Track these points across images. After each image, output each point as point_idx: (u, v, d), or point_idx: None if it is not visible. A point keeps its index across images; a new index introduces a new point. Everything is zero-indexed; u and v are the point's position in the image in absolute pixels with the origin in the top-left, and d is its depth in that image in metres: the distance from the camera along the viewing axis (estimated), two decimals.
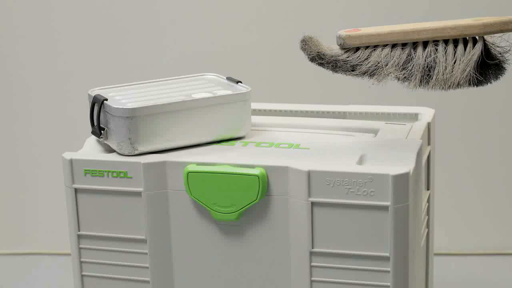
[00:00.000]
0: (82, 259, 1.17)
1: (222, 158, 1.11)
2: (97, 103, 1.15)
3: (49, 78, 1.75)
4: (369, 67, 1.06)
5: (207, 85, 1.23)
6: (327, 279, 1.08)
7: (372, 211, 1.05)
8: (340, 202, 1.05)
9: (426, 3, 1.65)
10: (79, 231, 1.16)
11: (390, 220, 1.04)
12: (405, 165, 1.06)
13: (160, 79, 1.27)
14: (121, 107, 1.12)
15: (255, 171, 1.07)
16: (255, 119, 1.28)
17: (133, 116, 1.11)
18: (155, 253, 1.14)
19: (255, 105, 1.34)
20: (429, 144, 1.26)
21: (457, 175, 1.72)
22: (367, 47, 1.07)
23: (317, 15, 1.68)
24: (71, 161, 1.14)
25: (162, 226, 1.13)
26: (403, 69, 1.06)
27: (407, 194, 1.04)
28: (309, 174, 1.05)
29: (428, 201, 1.26)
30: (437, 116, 1.34)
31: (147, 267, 1.14)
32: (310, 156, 1.12)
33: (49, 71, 1.75)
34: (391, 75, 1.06)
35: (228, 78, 1.24)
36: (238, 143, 1.18)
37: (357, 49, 1.07)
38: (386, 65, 1.06)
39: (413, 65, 1.06)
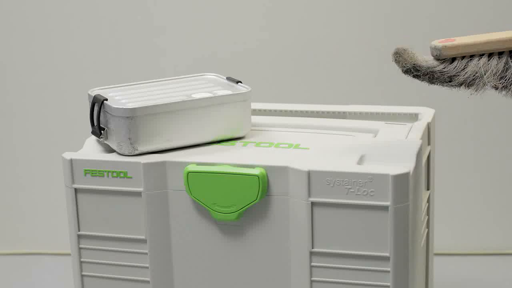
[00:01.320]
0: (82, 259, 1.17)
1: (222, 158, 1.11)
2: (97, 103, 1.15)
3: (49, 78, 1.75)
4: (467, 77, 1.05)
5: (207, 85, 1.23)
6: (327, 279, 1.08)
7: (372, 211, 1.05)
8: (340, 202, 1.05)
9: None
10: (79, 231, 1.16)
11: (390, 220, 1.04)
12: (405, 165, 1.06)
13: (160, 79, 1.27)
14: (121, 107, 1.12)
15: (255, 171, 1.07)
16: (255, 119, 1.28)
17: (133, 116, 1.11)
18: (155, 253, 1.14)
19: (255, 105, 1.34)
20: (429, 144, 1.26)
21: (457, 175, 1.72)
22: (463, 57, 1.05)
23: (317, 15, 1.68)
24: (71, 161, 1.14)
25: (162, 226, 1.13)
26: (501, 78, 1.05)
27: (407, 194, 1.04)
28: (309, 174, 1.05)
29: (428, 201, 1.26)
30: (437, 116, 1.34)
31: (147, 267, 1.14)
32: (310, 156, 1.12)
33: (48, 71, 1.75)
34: (489, 85, 1.05)
35: (228, 78, 1.24)
36: (238, 143, 1.18)
37: (453, 59, 1.06)
38: (484, 75, 1.04)
39: (511, 73, 1.05)
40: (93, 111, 1.16)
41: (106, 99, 1.15)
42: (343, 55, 1.68)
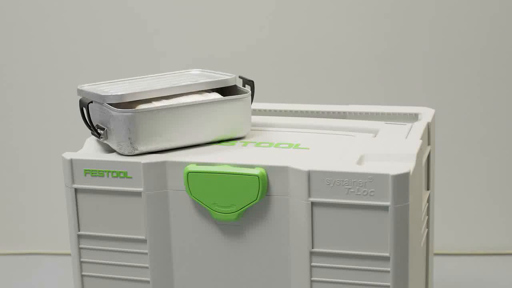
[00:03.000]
0: (82, 259, 1.17)
1: (222, 158, 1.11)
2: (84, 107, 1.14)
3: (49, 78, 1.75)
4: None
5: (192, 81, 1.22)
6: (327, 279, 1.08)
7: (372, 211, 1.05)
8: (340, 202, 1.05)
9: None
10: (79, 231, 1.16)
11: (390, 220, 1.04)
12: (405, 165, 1.06)
13: (148, 75, 1.26)
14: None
15: (255, 171, 1.07)
16: (255, 119, 1.28)
17: (133, 116, 1.11)
18: (155, 253, 1.14)
19: (255, 105, 1.34)
20: (429, 144, 1.26)
21: (457, 175, 1.72)
22: None
23: (317, 16, 1.68)
24: (71, 161, 1.14)
25: (162, 226, 1.13)
26: None
27: (407, 194, 1.04)
28: (309, 174, 1.05)
29: (428, 201, 1.26)
30: (437, 116, 1.34)
31: (147, 267, 1.14)
32: (310, 156, 1.12)
33: (48, 72, 1.75)
34: None
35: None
36: (238, 143, 1.18)
37: None
38: None
39: None
40: (84, 116, 1.15)
41: (91, 102, 1.14)
42: (343, 55, 1.68)
